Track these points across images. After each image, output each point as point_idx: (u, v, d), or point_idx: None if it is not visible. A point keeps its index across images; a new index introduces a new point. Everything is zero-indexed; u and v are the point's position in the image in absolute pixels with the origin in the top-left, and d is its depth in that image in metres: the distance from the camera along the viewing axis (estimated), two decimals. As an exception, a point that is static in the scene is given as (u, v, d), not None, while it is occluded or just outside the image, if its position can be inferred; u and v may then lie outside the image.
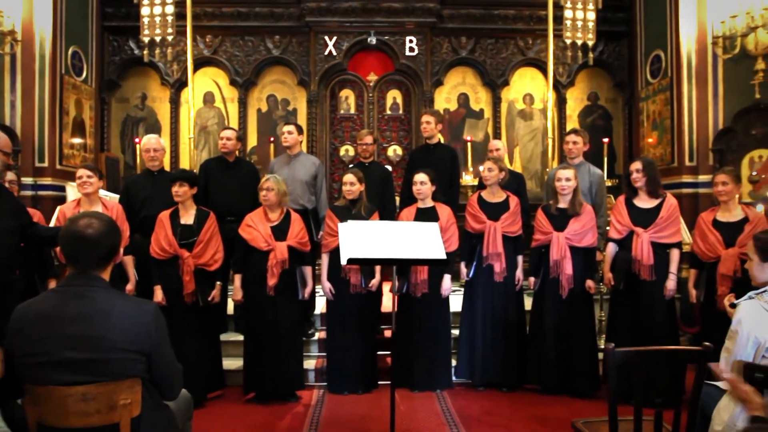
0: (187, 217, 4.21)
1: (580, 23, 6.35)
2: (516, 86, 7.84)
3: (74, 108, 6.74)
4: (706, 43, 6.37)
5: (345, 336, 4.43)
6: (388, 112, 7.87)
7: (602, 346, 4.56)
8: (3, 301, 2.89)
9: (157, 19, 6.23)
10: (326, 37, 7.45)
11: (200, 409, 3.92)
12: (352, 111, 7.84)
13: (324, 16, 7.40)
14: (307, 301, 4.69)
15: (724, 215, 4.05)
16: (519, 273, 4.55)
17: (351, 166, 5.71)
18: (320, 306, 5.23)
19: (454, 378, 4.61)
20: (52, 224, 4.74)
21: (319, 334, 5.10)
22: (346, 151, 7.77)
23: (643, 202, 4.22)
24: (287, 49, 7.63)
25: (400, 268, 4.24)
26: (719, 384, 2.63)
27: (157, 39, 6.28)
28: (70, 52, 6.63)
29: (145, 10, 6.25)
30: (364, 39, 7.50)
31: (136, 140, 6.86)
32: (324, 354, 4.79)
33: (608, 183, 5.95)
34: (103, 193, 4.46)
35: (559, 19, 6.36)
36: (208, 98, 7.71)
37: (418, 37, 7.49)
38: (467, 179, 6.87)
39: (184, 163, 7.32)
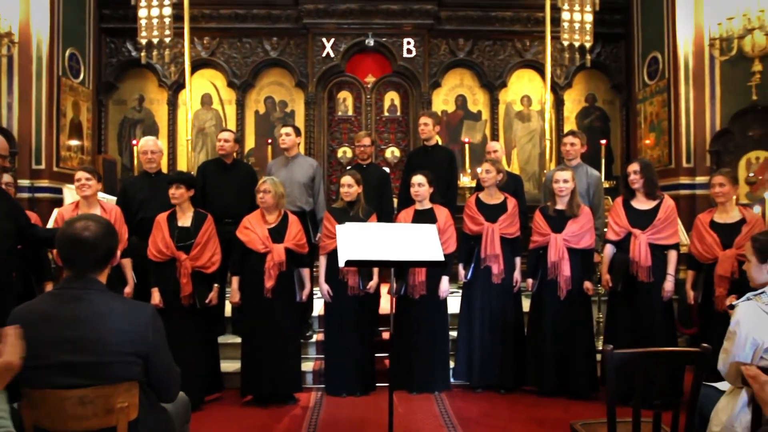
0: (185, 220, 4.20)
1: (577, 25, 6.36)
2: (514, 88, 7.86)
3: (71, 110, 6.73)
4: (703, 45, 6.39)
5: (343, 338, 4.43)
6: (386, 113, 7.87)
7: (600, 348, 4.56)
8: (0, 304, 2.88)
9: (155, 21, 6.22)
10: (324, 39, 7.46)
11: (198, 412, 3.90)
12: (350, 113, 7.85)
13: (322, 18, 7.41)
14: (305, 303, 4.68)
15: (721, 216, 4.05)
16: (517, 274, 4.55)
17: (349, 167, 5.72)
18: (318, 308, 5.22)
19: (452, 380, 4.60)
20: (49, 226, 4.74)
21: (317, 336, 5.10)
22: (344, 152, 7.78)
23: (641, 203, 4.22)
24: (285, 50, 7.64)
25: (398, 270, 4.23)
26: (717, 385, 2.64)
27: (155, 41, 6.27)
28: (67, 53, 6.62)
29: (142, 12, 6.25)
30: (361, 41, 7.51)
31: (134, 142, 6.85)
32: (322, 356, 4.78)
33: (606, 184, 5.96)
34: (100, 195, 4.45)
35: (556, 21, 6.37)
36: (206, 100, 7.71)
37: (416, 39, 7.50)
38: (465, 181, 6.87)
39: (182, 165, 7.32)
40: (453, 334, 4.74)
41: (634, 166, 4.24)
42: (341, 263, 3.20)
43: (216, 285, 4.23)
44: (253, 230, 4.23)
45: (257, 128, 7.73)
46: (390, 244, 3.28)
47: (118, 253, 3.93)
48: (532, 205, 5.25)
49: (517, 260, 4.57)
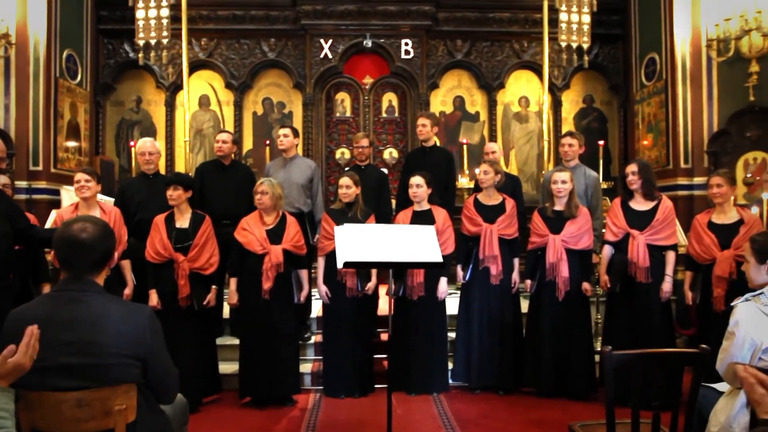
0: (183, 221, 4.19)
1: (575, 26, 6.37)
2: (511, 89, 7.86)
3: (69, 111, 6.71)
4: (701, 46, 6.40)
5: (341, 339, 4.42)
6: (384, 115, 7.87)
7: (599, 349, 4.57)
8: (-3, 306, 2.87)
9: (152, 22, 6.22)
10: (322, 40, 7.46)
11: (196, 414, 3.90)
12: (348, 114, 7.84)
13: (319, 19, 7.41)
14: (304, 304, 4.68)
15: (719, 217, 4.06)
16: (515, 275, 4.55)
17: (347, 169, 5.72)
18: (316, 309, 5.22)
19: (450, 381, 4.60)
20: (48, 227, 4.73)
21: (316, 338, 5.09)
22: (342, 154, 7.77)
23: (639, 204, 4.23)
24: (283, 52, 7.63)
25: (396, 272, 4.24)
26: (716, 386, 2.64)
27: (153, 42, 6.27)
28: (64, 55, 6.61)
29: (140, 13, 6.24)
30: (359, 42, 7.51)
31: (131, 143, 6.84)
32: (320, 357, 4.77)
33: (604, 185, 5.96)
34: (99, 196, 4.44)
35: (554, 22, 6.38)
36: (204, 101, 7.70)
37: (414, 40, 7.50)
38: (463, 182, 6.87)
39: (180, 167, 7.31)
40: (451, 335, 4.73)
41: (632, 167, 4.24)
42: (340, 265, 3.20)
43: (214, 286, 4.23)
44: (250, 231, 4.22)
45: (255, 129, 7.73)
46: (388, 245, 3.27)
47: (116, 254, 3.93)
48: (530, 206, 5.24)
49: (516, 261, 4.57)
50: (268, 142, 7.23)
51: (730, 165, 6.12)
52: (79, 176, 4.11)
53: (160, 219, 4.18)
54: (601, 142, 6.94)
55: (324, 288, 4.43)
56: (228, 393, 4.42)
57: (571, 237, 4.33)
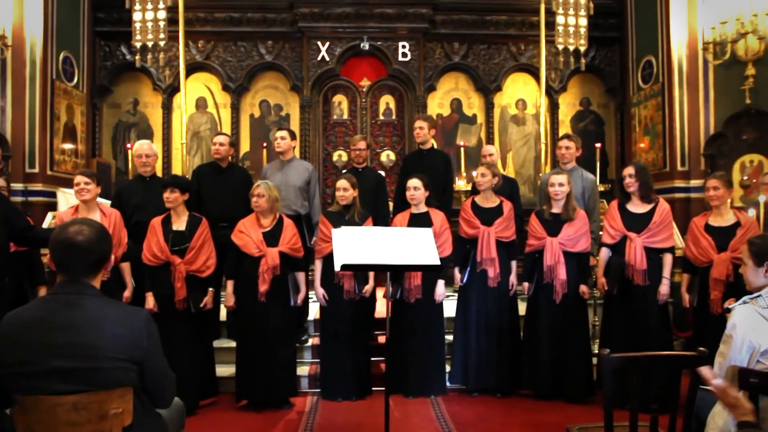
0: (179, 223, 4.18)
1: (572, 29, 6.38)
2: (508, 91, 7.87)
3: (65, 113, 6.70)
4: (697, 49, 6.42)
5: (339, 342, 4.41)
6: (381, 117, 7.87)
7: (596, 351, 4.56)
8: (-8, 309, 2.85)
9: (149, 25, 6.21)
10: (319, 43, 7.46)
11: (193, 417, 3.89)
12: (345, 116, 7.84)
13: (317, 22, 7.40)
14: (301, 307, 4.66)
15: (716, 220, 4.06)
16: (513, 278, 4.55)
17: (344, 171, 5.70)
18: (314, 312, 5.21)
19: (448, 384, 4.59)
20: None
21: (313, 341, 5.08)
22: (339, 156, 7.77)
23: (636, 207, 4.23)
24: (280, 54, 7.63)
25: (393, 274, 4.23)
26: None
27: (149, 44, 6.25)
28: (61, 57, 6.59)
29: (137, 16, 6.23)
30: (356, 44, 7.51)
31: (128, 146, 6.82)
32: (317, 360, 4.76)
33: (601, 188, 5.98)
34: (98, 199, 4.43)
35: (551, 25, 6.39)
36: (201, 104, 7.69)
37: (411, 43, 7.50)
38: (460, 184, 6.88)
39: (177, 169, 7.28)
40: (449, 337, 4.73)
41: (629, 170, 4.25)
42: (337, 267, 3.20)
43: (211, 289, 4.22)
44: (247, 234, 4.21)
45: (252, 132, 7.72)
46: (386, 247, 3.27)
47: (113, 257, 3.91)
48: (527, 208, 5.25)
49: (513, 264, 4.57)
50: (265, 144, 7.22)
51: (727, 168, 6.13)
52: (79, 179, 4.10)
53: (156, 221, 4.17)
54: (598, 145, 6.94)
55: (321, 291, 4.42)
56: (225, 396, 4.40)
57: (569, 240, 4.33)
